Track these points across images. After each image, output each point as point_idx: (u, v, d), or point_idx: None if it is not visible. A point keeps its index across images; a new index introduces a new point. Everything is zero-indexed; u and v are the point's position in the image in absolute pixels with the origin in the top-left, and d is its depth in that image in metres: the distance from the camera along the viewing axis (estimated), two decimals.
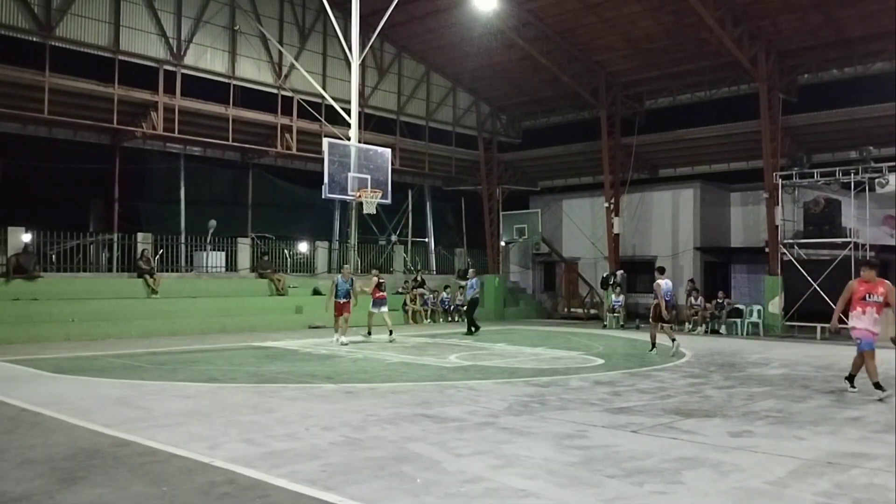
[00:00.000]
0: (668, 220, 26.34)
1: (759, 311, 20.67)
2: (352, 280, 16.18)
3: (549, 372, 11.38)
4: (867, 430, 7.13)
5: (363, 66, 21.96)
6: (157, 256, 19.66)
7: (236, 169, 24.33)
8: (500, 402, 8.47)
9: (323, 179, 17.72)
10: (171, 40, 20.24)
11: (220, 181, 25.47)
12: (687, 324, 21.64)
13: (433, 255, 29.42)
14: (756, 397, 9.11)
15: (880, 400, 8.70)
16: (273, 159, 23.74)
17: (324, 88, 22.50)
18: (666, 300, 14.59)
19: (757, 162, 21.92)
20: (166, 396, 8.75)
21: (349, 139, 19.25)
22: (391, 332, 16.60)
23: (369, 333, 17.06)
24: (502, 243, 28.38)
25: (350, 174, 18.01)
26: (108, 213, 21.31)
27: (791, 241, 20.68)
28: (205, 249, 21.24)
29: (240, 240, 22.07)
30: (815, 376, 11.29)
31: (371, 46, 21.89)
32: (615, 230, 24.76)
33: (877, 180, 18.88)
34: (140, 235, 19.83)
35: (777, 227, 20.50)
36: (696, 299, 21.87)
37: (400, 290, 24.17)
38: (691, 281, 23.44)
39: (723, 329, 20.99)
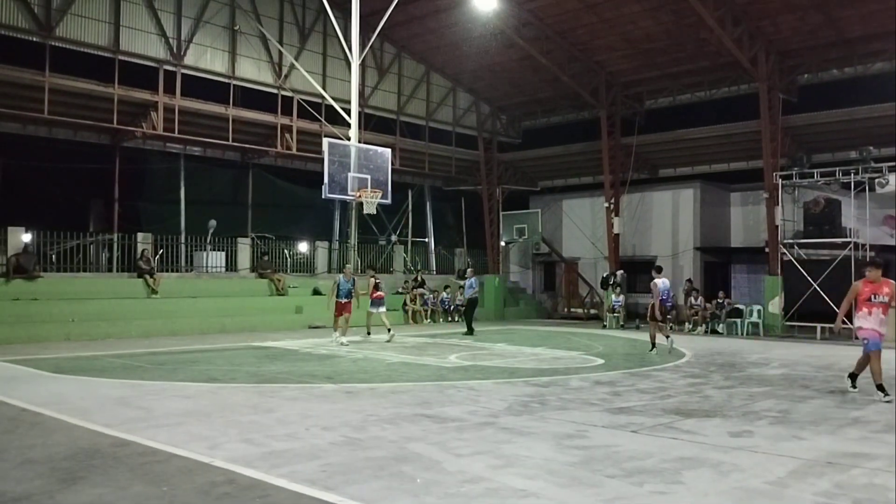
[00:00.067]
0: (668, 220, 26.34)
1: (759, 311, 20.67)
2: (353, 280, 16.17)
3: (549, 372, 11.38)
4: (867, 430, 7.13)
5: (363, 66, 21.96)
6: (157, 256, 19.66)
7: (236, 169, 24.33)
8: (500, 402, 8.47)
9: (323, 179, 17.73)
10: (171, 40, 20.25)
11: (220, 181, 25.47)
12: (687, 324, 21.67)
13: (433, 255, 29.42)
14: (756, 397, 9.11)
15: (882, 401, 8.66)
16: (273, 159, 23.75)
17: (324, 88, 22.50)
18: (663, 299, 14.62)
19: (757, 162, 21.92)
20: (166, 396, 8.75)
21: (349, 139, 19.24)
22: (390, 331, 16.63)
23: (368, 333, 17.09)
24: (502, 243, 28.38)
25: (350, 174, 18.02)
26: (108, 213, 21.31)
27: (791, 241, 20.68)
28: (205, 249, 21.24)
29: (240, 240, 22.08)
30: (815, 376, 11.29)
31: (371, 46, 21.89)
32: (615, 230, 24.77)
33: (877, 180, 18.88)
34: (140, 235, 19.83)
35: (777, 227, 20.50)
36: (696, 299, 21.88)
37: (400, 290, 24.18)
38: (689, 281, 23.43)
39: (720, 327, 20.99)
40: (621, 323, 23.08)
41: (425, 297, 24.01)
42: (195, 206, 23.21)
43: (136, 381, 9.96)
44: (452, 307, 24.52)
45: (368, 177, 18.36)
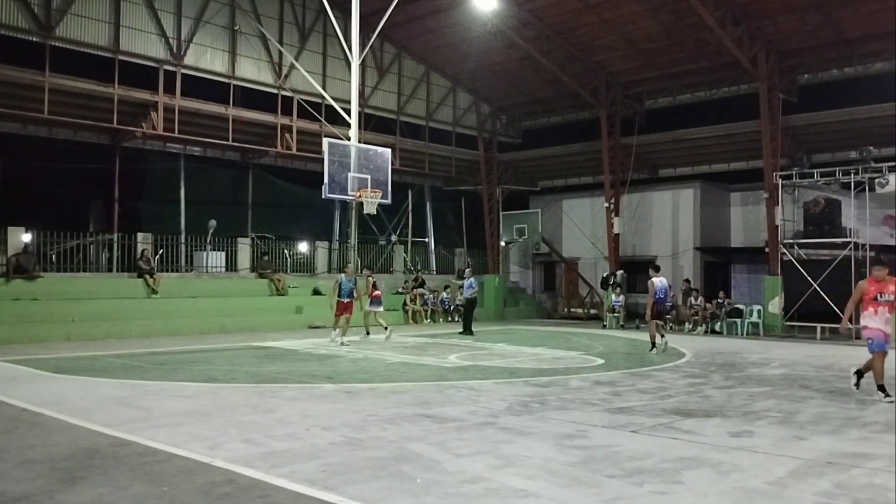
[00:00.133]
0: (668, 220, 26.34)
1: (759, 311, 20.67)
2: (355, 279, 16.16)
3: (549, 372, 11.38)
4: (867, 430, 7.12)
5: (363, 66, 21.96)
6: (157, 256, 19.66)
7: (236, 169, 24.34)
8: (500, 402, 8.47)
9: (323, 179, 17.74)
10: (171, 40, 20.25)
11: (220, 181, 25.47)
12: (687, 324, 21.67)
13: (433, 255, 29.43)
14: (756, 397, 9.11)
15: (883, 402, 8.64)
16: (273, 159, 23.76)
17: (324, 88, 22.50)
18: (660, 298, 14.67)
19: (757, 162, 21.92)
20: (166, 396, 8.75)
21: (349, 139, 19.25)
22: (387, 329, 16.75)
23: (367, 333, 17.10)
24: (502, 243, 28.38)
25: (350, 174, 18.02)
26: (108, 213, 21.32)
27: (791, 241, 20.67)
28: (205, 249, 21.24)
29: (240, 240, 22.08)
30: (815, 376, 11.28)
31: (371, 46, 21.89)
32: (615, 230, 24.76)
33: (877, 180, 18.88)
34: (140, 235, 19.84)
35: (777, 227, 20.50)
36: (696, 299, 21.88)
37: (400, 290, 24.19)
38: (686, 281, 23.44)
39: (718, 326, 20.99)
40: (621, 323, 23.07)
41: (425, 297, 24.02)
42: (195, 206, 23.21)
43: (136, 381, 9.96)
44: (452, 307, 24.52)
45: (368, 177, 18.37)
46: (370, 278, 17.35)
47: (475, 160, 28.23)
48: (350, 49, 19.66)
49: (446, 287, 25.01)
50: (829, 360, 13.50)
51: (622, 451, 6.07)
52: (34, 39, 18.10)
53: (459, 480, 5.15)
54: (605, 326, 22.91)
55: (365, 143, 20.10)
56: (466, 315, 19.42)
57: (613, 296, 23.59)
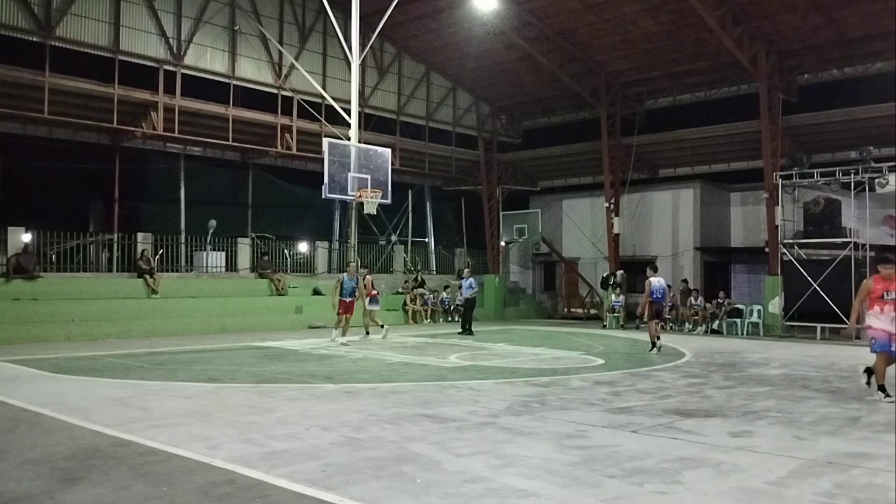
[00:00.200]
0: (668, 220, 26.34)
1: (759, 311, 20.67)
2: (357, 278, 16.14)
3: (549, 372, 11.38)
4: (867, 430, 7.12)
5: (363, 66, 21.95)
6: (157, 256, 19.67)
7: (236, 169, 24.35)
8: (500, 402, 8.47)
9: (323, 179, 17.75)
10: (171, 40, 20.25)
11: (220, 181, 25.50)
12: (687, 324, 21.67)
13: (433, 255, 29.42)
14: (756, 397, 9.11)
15: (883, 402, 8.63)
16: (273, 159, 23.76)
17: (324, 88, 22.50)
18: (658, 298, 14.69)
19: (757, 162, 21.91)
20: (166, 396, 8.75)
21: (349, 139, 19.25)
22: (383, 328, 16.84)
23: (367, 333, 17.10)
24: (502, 243, 28.38)
25: (350, 174, 18.03)
26: (108, 213, 21.32)
27: (791, 241, 20.67)
28: (205, 249, 21.25)
29: (240, 240, 22.08)
30: (815, 376, 11.28)
31: (371, 46, 21.89)
32: (615, 230, 24.76)
33: (877, 180, 18.88)
34: (140, 235, 19.84)
35: (777, 227, 20.49)
36: (696, 299, 21.89)
37: (400, 290, 24.19)
38: (684, 281, 23.42)
39: (717, 325, 20.99)
40: (621, 323, 23.07)
41: (425, 297, 24.02)
42: (195, 206, 23.23)
43: (137, 381, 9.96)
44: (452, 307, 24.52)
45: (368, 177, 18.37)
46: (369, 277, 17.39)
47: (475, 160, 28.23)
48: (350, 49, 19.66)
49: (446, 287, 25.01)
50: (829, 360, 13.50)
51: (622, 451, 6.07)
52: (34, 39, 18.09)
53: (459, 480, 5.15)
54: (605, 326, 22.91)
55: (365, 143, 20.10)
56: (466, 315, 19.42)
57: (613, 296, 23.59)
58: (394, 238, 28.77)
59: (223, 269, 21.51)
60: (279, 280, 21.28)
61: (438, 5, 21.70)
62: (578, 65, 23.45)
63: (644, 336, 16.24)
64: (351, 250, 22.35)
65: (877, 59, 20.23)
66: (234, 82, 21.56)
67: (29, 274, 16.72)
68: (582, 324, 24.38)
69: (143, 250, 19.15)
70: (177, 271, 20.40)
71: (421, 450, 6.02)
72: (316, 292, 21.74)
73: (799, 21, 19.24)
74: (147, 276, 18.52)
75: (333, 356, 13.41)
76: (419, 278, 24.49)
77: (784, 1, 18.51)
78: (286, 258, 23.21)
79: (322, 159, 18.21)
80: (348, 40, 19.78)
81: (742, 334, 20.28)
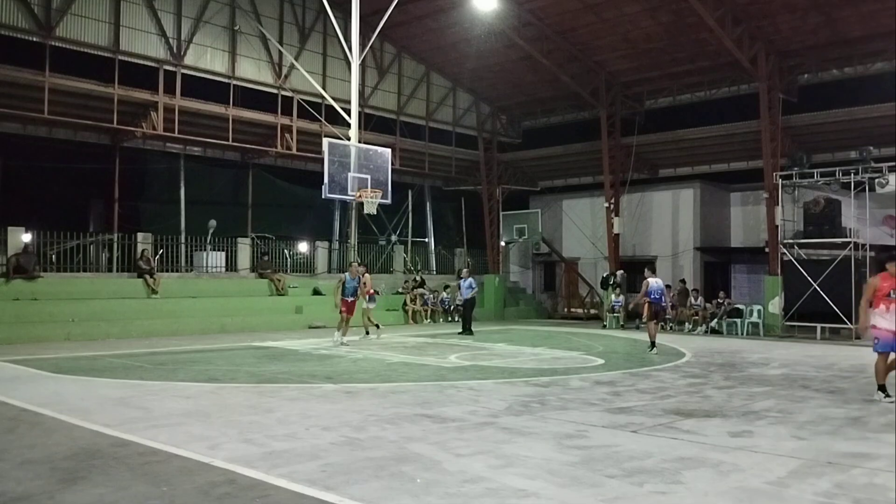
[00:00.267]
0: (668, 220, 26.34)
1: (759, 311, 20.67)
2: (359, 278, 16.11)
3: (549, 372, 11.38)
4: (867, 430, 7.12)
5: (363, 66, 21.95)
6: (157, 256, 19.66)
7: (236, 169, 24.35)
8: (500, 402, 8.47)
9: (323, 179, 17.75)
10: (171, 40, 20.24)
11: (220, 181, 25.50)
12: (687, 324, 21.67)
13: (433, 255, 29.42)
14: (756, 397, 9.11)
15: (883, 402, 8.61)
16: (273, 159, 23.76)
17: (324, 88, 22.50)
18: (656, 299, 14.71)
19: (757, 162, 21.91)
20: (166, 396, 8.75)
21: (349, 139, 19.24)
22: (378, 327, 16.92)
23: (367, 333, 17.10)
24: (502, 243, 28.38)
25: (350, 174, 18.02)
26: (108, 213, 21.32)
27: (791, 241, 20.67)
28: (205, 249, 21.25)
29: (240, 240, 22.08)
30: (815, 376, 11.28)
31: (371, 46, 21.89)
32: (615, 230, 24.76)
33: (877, 180, 18.87)
34: (140, 235, 19.84)
35: (777, 227, 20.49)
36: (695, 299, 21.89)
37: (400, 290, 24.19)
38: (682, 281, 23.41)
39: (716, 324, 20.98)
40: (621, 323, 23.07)
41: (425, 297, 24.02)
42: (195, 206, 23.23)
43: (136, 381, 9.96)
44: (452, 307, 24.51)
45: (368, 177, 18.37)
46: (367, 275, 17.41)
47: (475, 160, 28.23)
48: (350, 49, 19.66)
49: (446, 287, 25.01)
50: (829, 360, 13.50)
51: (622, 451, 6.07)
52: (34, 39, 18.08)
53: (459, 480, 5.15)
54: (605, 326, 22.91)
55: (365, 143, 20.10)
56: (466, 315, 19.42)
57: (613, 296, 23.59)
58: (394, 238, 28.77)
59: (223, 269, 21.50)
60: (279, 280, 21.28)
61: (438, 5, 21.70)
62: (578, 65, 23.45)
63: (644, 336, 16.24)
64: (351, 250, 22.36)
65: (877, 59, 20.23)
66: (234, 82, 21.55)
67: (29, 274, 16.72)
68: (582, 324, 24.38)
69: (143, 250, 19.15)
70: (177, 271, 20.39)
71: (421, 450, 6.02)
72: (316, 292, 21.73)
73: (799, 21, 19.24)
74: (147, 276, 18.52)
75: (333, 356, 13.41)
76: (419, 278, 24.49)
77: (784, 1, 18.51)
78: (286, 258, 23.21)
79: (322, 159, 18.21)
80: (348, 40, 19.78)
81: (742, 334, 20.28)
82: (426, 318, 23.62)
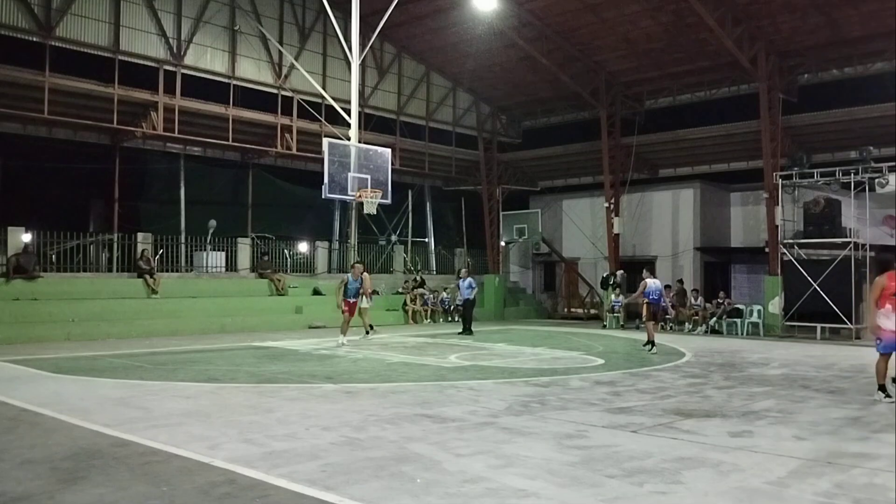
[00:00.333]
0: (668, 220, 26.33)
1: (759, 311, 20.67)
2: (361, 279, 16.05)
3: (549, 372, 11.39)
4: (867, 430, 7.12)
5: (363, 66, 21.96)
6: (157, 256, 19.66)
7: (236, 169, 24.34)
8: (500, 402, 8.47)
9: (323, 179, 17.75)
10: (171, 40, 20.24)
11: (220, 181, 25.49)
12: (687, 324, 21.67)
13: (433, 255, 29.42)
14: (756, 397, 9.11)
15: (883, 402, 8.61)
16: (273, 159, 23.75)
17: (324, 88, 22.50)
18: (654, 299, 14.72)
19: (757, 162, 21.90)
20: (166, 396, 8.75)
21: (349, 139, 19.25)
22: (372, 328, 17.00)
23: (367, 333, 17.07)
24: (502, 243, 28.37)
25: (350, 174, 18.03)
26: (108, 213, 21.32)
27: (791, 241, 20.66)
28: (205, 249, 21.24)
29: (240, 240, 22.07)
30: (815, 376, 11.28)
31: (371, 46, 21.89)
32: (615, 230, 24.75)
33: (877, 180, 18.87)
34: (140, 235, 19.83)
35: (777, 227, 20.49)
36: (695, 299, 21.88)
37: (400, 290, 24.18)
38: (679, 281, 23.39)
39: (716, 323, 20.98)
40: (621, 323, 23.07)
41: (425, 297, 24.02)
42: (195, 206, 23.23)
43: (136, 381, 9.96)
44: (452, 307, 24.51)
45: (368, 177, 18.38)
46: (365, 274, 17.30)
47: (475, 160, 28.22)
48: (350, 49, 19.66)
49: (446, 287, 25.00)
50: (829, 361, 13.50)
51: (622, 451, 6.07)
52: (34, 39, 18.08)
53: (459, 480, 5.15)
54: (605, 326, 22.91)
55: (365, 143, 20.10)
56: (466, 315, 19.41)
57: (613, 296, 23.58)
58: (394, 238, 28.77)
59: (223, 269, 21.50)
60: (279, 280, 21.28)
61: (438, 5, 21.69)
62: (578, 65, 23.45)
63: (644, 336, 16.23)
64: (351, 250, 22.37)
65: (877, 59, 20.22)
66: (234, 82, 21.55)
67: (29, 274, 16.72)
68: (582, 324, 24.38)
69: (143, 250, 19.15)
70: (177, 271, 20.39)
71: (421, 450, 6.02)
72: (316, 292, 21.73)
73: (799, 21, 19.24)
74: (147, 276, 18.52)
75: (333, 356, 13.41)
76: (419, 278, 24.49)
77: (784, 1, 18.51)
78: (286, 258, 23.21)
79: (322, 159, 18.21)
80: (348, 40, 19.78)
81: (742, 334, 20.28)
82: (426, 319, 23.62)
